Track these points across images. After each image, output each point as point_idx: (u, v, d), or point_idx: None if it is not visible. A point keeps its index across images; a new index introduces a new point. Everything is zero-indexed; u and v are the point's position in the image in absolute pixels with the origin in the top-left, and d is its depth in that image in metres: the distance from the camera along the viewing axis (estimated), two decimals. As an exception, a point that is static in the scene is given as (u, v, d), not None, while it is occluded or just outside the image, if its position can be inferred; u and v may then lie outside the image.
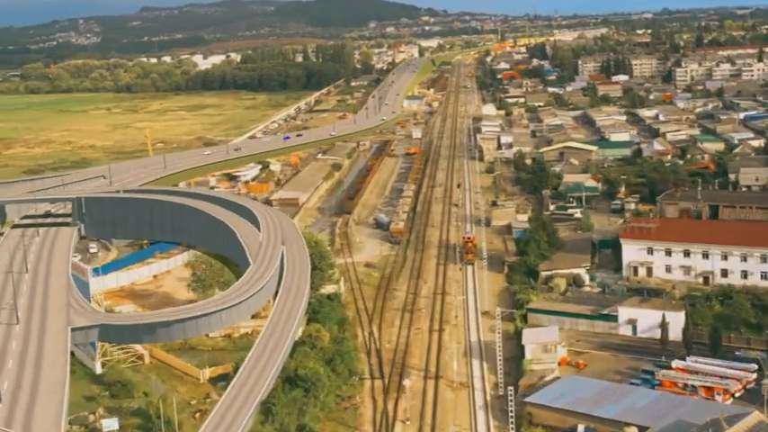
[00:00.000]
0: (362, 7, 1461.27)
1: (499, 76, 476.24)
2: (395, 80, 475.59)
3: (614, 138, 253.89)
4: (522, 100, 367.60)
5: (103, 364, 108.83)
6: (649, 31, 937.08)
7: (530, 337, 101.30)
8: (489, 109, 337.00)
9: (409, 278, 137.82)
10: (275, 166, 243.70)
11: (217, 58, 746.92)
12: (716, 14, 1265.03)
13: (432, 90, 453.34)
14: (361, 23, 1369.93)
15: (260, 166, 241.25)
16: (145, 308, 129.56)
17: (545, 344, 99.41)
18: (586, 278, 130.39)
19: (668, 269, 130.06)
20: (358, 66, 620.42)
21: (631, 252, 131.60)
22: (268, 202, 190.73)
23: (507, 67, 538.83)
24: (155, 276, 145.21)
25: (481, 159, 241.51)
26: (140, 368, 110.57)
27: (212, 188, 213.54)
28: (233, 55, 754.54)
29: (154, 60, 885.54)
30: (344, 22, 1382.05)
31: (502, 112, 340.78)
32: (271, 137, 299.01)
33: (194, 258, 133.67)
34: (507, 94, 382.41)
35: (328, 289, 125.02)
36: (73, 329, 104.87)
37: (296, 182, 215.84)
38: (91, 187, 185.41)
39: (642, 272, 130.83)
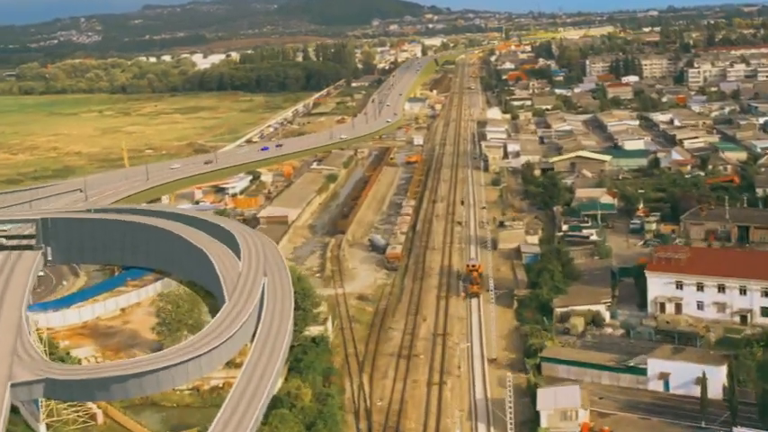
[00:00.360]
0: (365, 5, 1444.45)
1: (504, 77, 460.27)
2: (396, 81, 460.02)
3: (628, 146, 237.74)
4: (528, 102, 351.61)
5: (49, 425, 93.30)
6: (657, 29, 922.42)
7: (546, 401, 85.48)
8: (495, 113, 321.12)
9: (406, 314, 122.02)
10: (267, 177, 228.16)
11: (217, 58, 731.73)
12: (722, 12, 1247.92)
13: (434, 91, 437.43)
14: (365, 21, 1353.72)
15: (250, 177, 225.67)
16: (106, 351, 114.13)
17: (564, 410, 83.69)
18: (607, 316, 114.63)
19: (700, 306, 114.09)
20: (359, 65, 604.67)
21: (658, 286, 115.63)
22: (255, 220, 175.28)
23: (512, 67, 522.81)
24: (122, 310, 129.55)
25: (486, 169, 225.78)
26: (93, 429, 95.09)
27: (197, 202, 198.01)
28: (233, 54, 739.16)
29: (153, 59, 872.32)
30: (347, 20, 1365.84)
31: (508, 116, 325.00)
32: (247, 149, 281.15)
33: (160, 297, 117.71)
34: (513, 97, 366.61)
35: (314, 331, 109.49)
36: (13, 385, 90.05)
37: (287, 196, 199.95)
38: (60, 205, 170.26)
39: (670, 308, 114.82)
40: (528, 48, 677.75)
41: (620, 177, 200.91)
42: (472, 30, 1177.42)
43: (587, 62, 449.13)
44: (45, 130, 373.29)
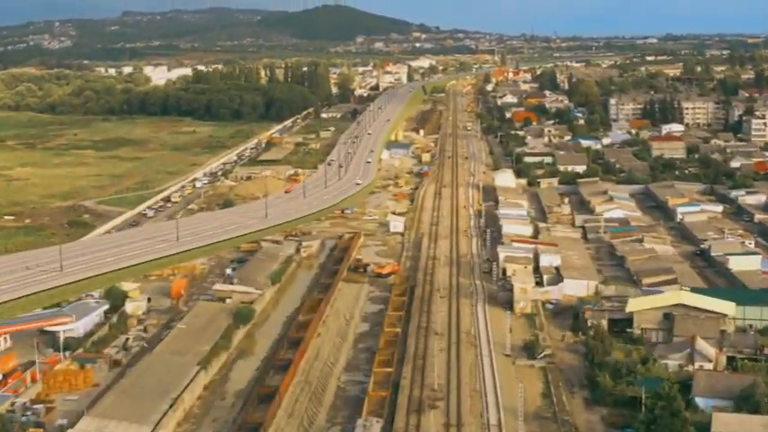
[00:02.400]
0: (351, 20, 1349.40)
1: (508, 115, 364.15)
2: (375, 113, 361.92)
3: (738, 264, 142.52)
4: (548, 160, 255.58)
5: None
6: (663, 56, 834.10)
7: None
8: (506, 177, 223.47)
9: None
10: (135, 304, 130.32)
11: (183, 72, 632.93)
12: (723, 42, 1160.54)
13: (422, 132, 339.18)
14: (348, 38, 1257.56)
15: (103, 307, 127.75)
16: None
17: None
18: None
19: None
20: (335, 89, 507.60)
21: None
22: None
23: (515, 101, 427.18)
24: None
25: (511, 307, 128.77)
26: None
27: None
28: (195, 69, 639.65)
29: (113, 71, 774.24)
30: (331, 36, 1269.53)
31: (523, 182, 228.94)
32: (142, 229, 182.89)
33: None
34: (527, 151, 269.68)
35: None
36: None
37: (128, 391, 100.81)
38: None
39: None
40: (528, 76, 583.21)
41: (763, 353, 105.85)
42: (462, 51, 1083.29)
43: (613, 102, 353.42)
44: None
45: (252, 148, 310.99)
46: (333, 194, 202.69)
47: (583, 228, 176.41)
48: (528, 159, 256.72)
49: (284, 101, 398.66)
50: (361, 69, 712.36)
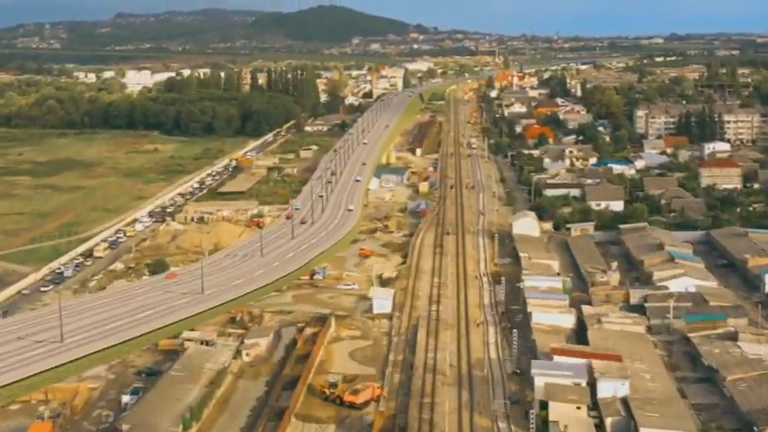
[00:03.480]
0: (346, 21, 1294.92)
1: (518, 129, 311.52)
2: (367, 125, 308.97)
3: None
4: (575, 192, 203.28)
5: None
6: (668, 57, 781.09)
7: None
8: (528, 225, 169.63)
9: None
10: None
11: (167, 76, 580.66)
12: (730, 41, 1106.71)
13: (418, 151, 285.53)
14: (344, 39, 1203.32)
15: None
16: None
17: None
18: None
19: None
20: (324, 97, 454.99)
21: None
22: None
23: (523, 110, 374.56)
24: None
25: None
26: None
27: None
28: (188, 72, 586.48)
29: (92, 76, 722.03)
30: (326, 37, 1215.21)
31: (548, 226, 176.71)
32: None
33: None
34: (548, 180, 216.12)
35: None
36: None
37: None
38: None
39: None
40: (534, 80, 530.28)
41: None
42: (461, 52, 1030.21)
43: (640, 114, 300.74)
44: None
45: (216, 174, 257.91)
46: (301, 248, 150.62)
47: (641, 305, 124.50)
48: (550, 192, 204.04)
49: (263, 113, 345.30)
50: (355, 73, 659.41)
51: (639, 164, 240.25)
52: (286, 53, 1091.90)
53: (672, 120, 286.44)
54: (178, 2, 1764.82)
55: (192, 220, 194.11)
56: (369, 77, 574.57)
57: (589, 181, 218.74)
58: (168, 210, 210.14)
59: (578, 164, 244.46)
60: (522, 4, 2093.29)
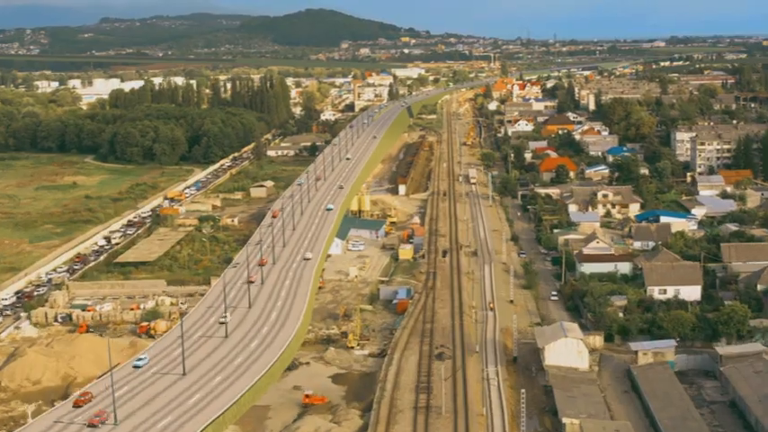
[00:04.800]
0: (336, 25, 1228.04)
1: (528, 156, 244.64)
2: (341, 151, 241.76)
3: None
4: (624, 269, 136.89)
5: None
6: (676, 61, 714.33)
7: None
8: (568, 349, 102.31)
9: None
10: None
11: (136, 85, 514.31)
12: (734, 44, 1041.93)
13: (402, 189, 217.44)
14: (333, 43, 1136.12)
15: None
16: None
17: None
18: None
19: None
20: (298, 111, 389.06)
21: None
22: None
23: (529, 128, 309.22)
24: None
25: None
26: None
27: None
28: (160, 80, 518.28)
29: (57, 84, 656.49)
30: (314, 42, 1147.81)
31: (599, 342, 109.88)
32: None
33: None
34: (584, 251, 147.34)
35: None
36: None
37: None
38: None
39: None
40: (536, 89, 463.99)
41: None
42: (455, 57, 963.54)
43: (681, 137, 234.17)
44: None
45: (131, 226, 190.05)
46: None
47: None
48: (587, 267, 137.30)
49: (214, 135, 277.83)
50: (340, 81, 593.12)
51: (698, 212, 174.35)
52: (271, 59, 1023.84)
53: (727, 146, 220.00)
54: (166, 6, 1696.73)
55: (57, 319, 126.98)
56: (354, 84, 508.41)
57: (636, 244, 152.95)
58: (39, 291, 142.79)
59: (616, 213, 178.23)
60: (516, 6, 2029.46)
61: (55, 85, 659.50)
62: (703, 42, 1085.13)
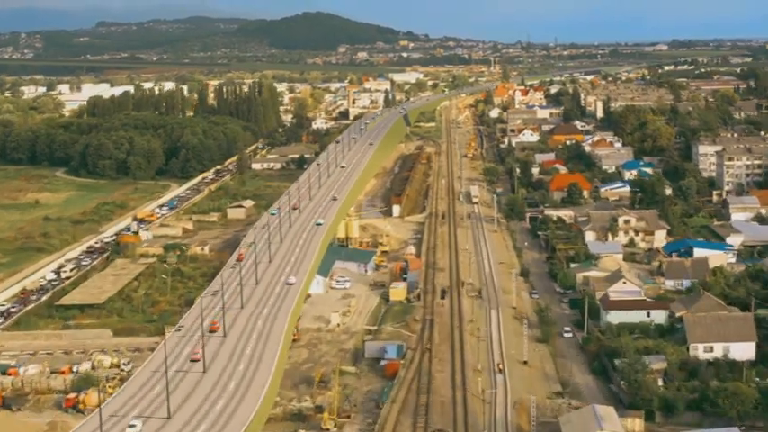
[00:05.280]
0: (333, 29, 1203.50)
1: (535, 171, 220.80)
2: (328, 166, 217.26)
3: None
4: (659, 319, 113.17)
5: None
6: (682, 65, 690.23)
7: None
8: None
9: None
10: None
11: (124, 90, 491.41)
12: (737, 47, 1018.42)
13: (396, 210, 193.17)
14: (330, 47, 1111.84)
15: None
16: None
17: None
18: None
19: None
20: (290, 119, 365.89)
21: None
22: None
23: (534, 138, 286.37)
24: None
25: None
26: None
27: None
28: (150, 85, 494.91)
29: (43, 89, 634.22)
30: (312, 45, 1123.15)
31: (636, 427, 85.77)
32: None
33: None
34: (610, 294, 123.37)
35: None
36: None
37: None
38: None
39: None
40: (539, 95, 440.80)
41: None
42: (454, 61, 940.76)
43: (704, 151, 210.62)
44: None
45: (84, 256, 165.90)
46: None
47: None
48: (615, 316, 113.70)
49: (193, 147, 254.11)
50: (335, 86, 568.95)
51: (734, 240, 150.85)
52: (267, 63, 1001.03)
53: (758, 161, 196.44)
54: (164, 10, 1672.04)
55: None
56: (355, 89, 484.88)
57: (669, 283, 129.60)
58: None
59: (639, 241, 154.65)
60: (515, 10, 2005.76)
61: (42, 90, 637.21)
62: (706, 46, 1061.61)
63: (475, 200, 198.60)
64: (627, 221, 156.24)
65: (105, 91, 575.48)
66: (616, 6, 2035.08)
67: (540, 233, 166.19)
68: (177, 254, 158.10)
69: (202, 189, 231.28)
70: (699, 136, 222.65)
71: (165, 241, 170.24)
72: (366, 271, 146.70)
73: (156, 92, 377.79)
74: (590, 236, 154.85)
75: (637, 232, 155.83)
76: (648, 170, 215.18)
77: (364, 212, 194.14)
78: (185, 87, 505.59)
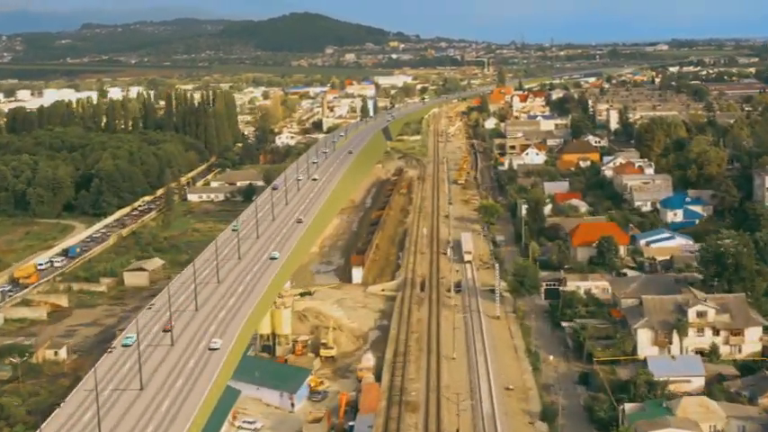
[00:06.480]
0: (321, 29, 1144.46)
1: (548, 213, 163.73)
2: (283, 196, 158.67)
3: None
4: None
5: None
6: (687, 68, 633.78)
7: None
8: None
9: None
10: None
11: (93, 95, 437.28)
12: (741, 47, 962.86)
13: (357, 274, 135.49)
14: (317, 49, 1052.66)
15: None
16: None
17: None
18: None
19: None
20: (252, 132, 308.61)
21: None
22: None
23: (541, 159, 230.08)
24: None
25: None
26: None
27: None
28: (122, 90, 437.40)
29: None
30: (298, 47, 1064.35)
31: None
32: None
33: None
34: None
35: None
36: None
37: None
38: None
39: None
40: (540, 100, 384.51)
41: None
42: (445, 62, 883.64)
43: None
44: None
45: None
46: None
47: None
48: None
49: (108, 176, 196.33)
50: (316, 90, 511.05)
51: None
52: (250, 65, 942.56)
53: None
54: (151, 12, 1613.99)
55: None
56: (331, 95, 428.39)
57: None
58: None
59: (721, 343, 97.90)
60: (509, 10, 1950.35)
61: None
62: (708, 45, 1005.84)
63: (467, 257, 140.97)
64: (702, 315, 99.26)
65: (67, 96, 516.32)
66: (613, 6, 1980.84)
67: (564, 324, 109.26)
68: (14, 362, 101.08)
69: (109, 235, 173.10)
70: (762, 162, 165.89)
71: (14, 332, 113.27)
72: (292, 405, 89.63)
73: (98, 101, 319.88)
74: (644, 337, 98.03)
75: (717, 330, 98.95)
76: (698, 208, 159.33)
77: (316, 274, 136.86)
78: (152, 93, 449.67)
